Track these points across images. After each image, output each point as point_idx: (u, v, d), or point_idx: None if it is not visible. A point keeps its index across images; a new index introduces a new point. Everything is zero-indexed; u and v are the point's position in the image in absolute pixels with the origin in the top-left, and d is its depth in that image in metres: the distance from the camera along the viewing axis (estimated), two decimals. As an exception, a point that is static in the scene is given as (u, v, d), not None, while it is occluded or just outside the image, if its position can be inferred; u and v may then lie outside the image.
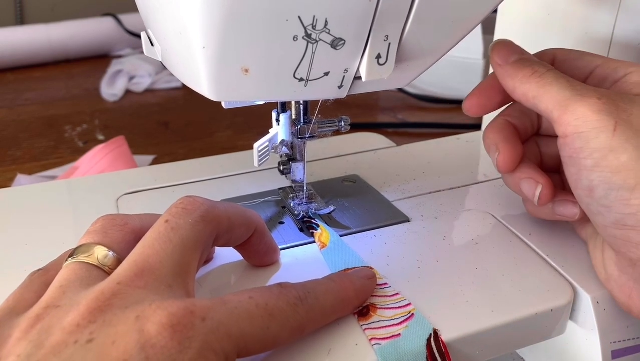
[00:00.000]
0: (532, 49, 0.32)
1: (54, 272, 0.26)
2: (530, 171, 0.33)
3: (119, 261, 0.25)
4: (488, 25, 0.50)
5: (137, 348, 0.20)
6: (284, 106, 0.34)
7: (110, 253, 0.26)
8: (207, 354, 0.21)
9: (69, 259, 0.25)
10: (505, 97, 0.33)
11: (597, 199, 0.27)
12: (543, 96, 0.29)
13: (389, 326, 0.27)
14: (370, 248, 0.34)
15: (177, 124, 0.80)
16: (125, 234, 0.27)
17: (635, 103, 0.27)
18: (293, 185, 0.38)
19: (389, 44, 0.26)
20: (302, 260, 0.33)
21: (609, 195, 0.27)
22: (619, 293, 0.29)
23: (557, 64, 0.33)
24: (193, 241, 0.25)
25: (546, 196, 0.32)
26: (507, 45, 0.32)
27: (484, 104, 0.34)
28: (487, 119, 0.47)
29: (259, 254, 0.31)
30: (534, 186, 0.32)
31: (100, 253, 0.25)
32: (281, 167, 0.36)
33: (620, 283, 0.29)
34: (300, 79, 0.26)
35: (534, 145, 0.35)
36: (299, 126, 0.34)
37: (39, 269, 0.27)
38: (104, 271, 0.25)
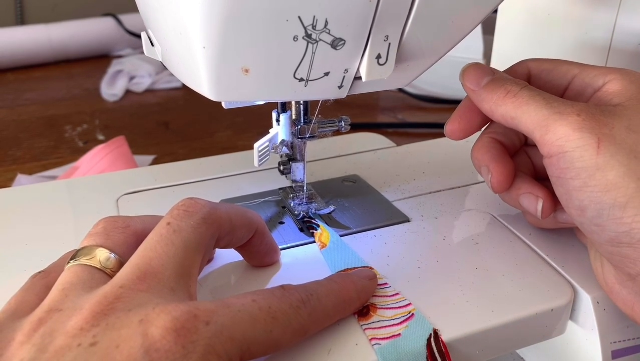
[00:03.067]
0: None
1: (56, 274, 0.26)
2: (527, 185, 0.32)
3: (121, 263, 0.25)
4: (488, 25, 0.50)
5: (141, 353, 0.20)
6: (284, 106, 0.34)
7: (112, 255, 0.25)
8: (210, 358, 0.21)
9: (71, 261, 0.25)
10: (486, 117, 0.32)
11: (590, 219, 0.27)
12: (521, 117, 0.28)
13: (389, 326, 0.27)
14: (370, 248, 0.34)
15: (178, 124, 0.80)
16: (127, 236, 0.27)
17: (616, 115, 0.27)
18: (293, 185, 0.38)
19: (389, 44, 0.26)
20: (303, 260, 0.33)
21: (601, 215, 0.26)
22: (622, 305, 0.29)
23: (532, 77, 0.32)
24: (195, 244, 0.25)
25: (549, 209, 0.31)
26: (477, 69, 0.31)
27: (465, 128, 0.33)
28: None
29: (259, 254, 0.31)
30: (535, 200, 0.31)
31: (103, 256, 0.25)
32: (281, 168, 0.36)
33: (622, 296, 0.28)
34: (301, 79, 0.26)
35: (524, 156, 0.35)
36: (299, 126, 0.34)
37: (40, 272, 0.27)
38: (106, 273, 0.25)
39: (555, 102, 0.28)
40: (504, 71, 0.32)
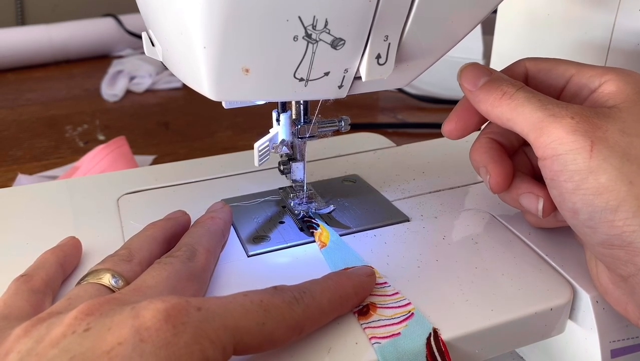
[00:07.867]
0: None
1: (38, 277, 0.28)
2: (527, 185, 0.32)
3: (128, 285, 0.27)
4: (488, 25, 0.50)
5: (131, 332, 0.21)
6: (285, 106, 0.34)
7: (120, 278, 0.27)
8: (202, 341, 0.21)
9: (81, 282, 0.27)
10: (484, 117, 0.32)
11: (582, 221, 0.27)
12: (516, 119, 0.28)
13: (389, 325, 0.28)
14: (370, 248, 0.34)
15: (178, 124, 0.80)
16: (134, 265, 0.28)
17: (611, 117, 0.27)
18: (293, 185, 0.38)
19: (389, 44, 0.26)
20: (303, 260, 0.33)
21: (593, 217, 0.26)
22: (616, 305, 0.29)
23: (530, 77, 0.32)
24: (186, 274, 0.27)
25: (549, 208, 0.31)
26: (474, 69, 0.31)
27: (462, 128, 0.33)
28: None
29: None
30: (535, 200, 0.31)
31: (111, 278, 0.27)
32: (281, 167, 0.37)
33: (615, 297, 0.29)
34: (301, 79, 0.26)
35: (523, 156, 0.35)
36: (299, 126, 0.34)
37: (22, 275, 0.28)
38: (114, 292, 0.26)
39: (550, 104, 0.27)
40: (501, 71, 0.32)
